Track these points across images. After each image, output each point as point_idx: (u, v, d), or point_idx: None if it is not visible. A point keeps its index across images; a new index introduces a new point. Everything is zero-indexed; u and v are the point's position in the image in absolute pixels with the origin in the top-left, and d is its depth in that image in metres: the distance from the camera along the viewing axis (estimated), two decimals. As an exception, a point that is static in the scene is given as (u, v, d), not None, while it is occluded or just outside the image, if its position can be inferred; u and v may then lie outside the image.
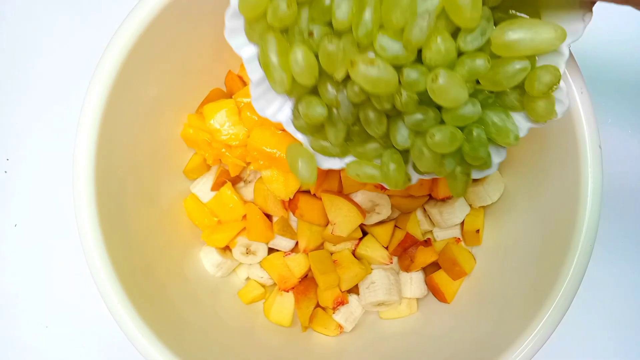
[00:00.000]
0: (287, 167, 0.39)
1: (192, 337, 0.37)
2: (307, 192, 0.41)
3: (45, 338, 0.49)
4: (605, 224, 0.40)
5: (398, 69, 0.26)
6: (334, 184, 0.40)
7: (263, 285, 0.45)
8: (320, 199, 0.39)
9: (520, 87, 0.28)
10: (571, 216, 0.34)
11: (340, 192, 0.39)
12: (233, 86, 0.45)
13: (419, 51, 0.26)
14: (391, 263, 0.42)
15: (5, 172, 0.51)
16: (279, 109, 0.32)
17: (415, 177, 0.32)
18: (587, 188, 0.34)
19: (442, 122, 0.28)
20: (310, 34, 0.28)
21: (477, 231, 0.41)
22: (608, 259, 0.48)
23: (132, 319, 0.34)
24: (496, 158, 0.31)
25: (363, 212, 0.40)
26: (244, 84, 0.44)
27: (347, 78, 0.28)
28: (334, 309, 0.42)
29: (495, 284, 0.40)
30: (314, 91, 0.30)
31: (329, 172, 0.40)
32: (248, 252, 0.43)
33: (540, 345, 0.34)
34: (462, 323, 0.40)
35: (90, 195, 0.34)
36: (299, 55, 0.27)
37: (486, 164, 0.30)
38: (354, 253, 0.42)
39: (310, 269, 0.42)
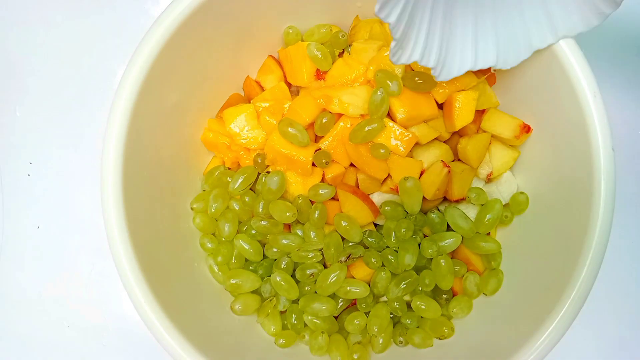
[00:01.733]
0: (306, 170, 0.40)
1: (218, 336, 0.38)
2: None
3: (67, 337, 0.50)
4: (617, 225, 0.40)
5: None
6: (352, 180, 0.41)
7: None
8: (338, 200, 0.40)
9: None
10: (584, 218, 0.35)
11: (357, 191, 0.40)
12: (251, 91, 0.46)
13: None
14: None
15: (29, 175, 0.53)
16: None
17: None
18: (600, 190, 0.34)
19: None
20: None
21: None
22: (619, 260, 0.49)
23: (158, 317, 0.35)
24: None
25: (376, 212, 0.41)
26: (262, 89, 0.45)
27: None
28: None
29: (508, 284, 0.41)
30: None
31: (347, 171, 0.41)
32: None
33: (554, 344, 0.34)
34: (473, 323, 0.41)
35: (118, 197, 0.35)
36: None
37: None
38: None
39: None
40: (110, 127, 0.35)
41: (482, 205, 0.41)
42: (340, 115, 0.40)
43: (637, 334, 0.49)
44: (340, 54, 0.44)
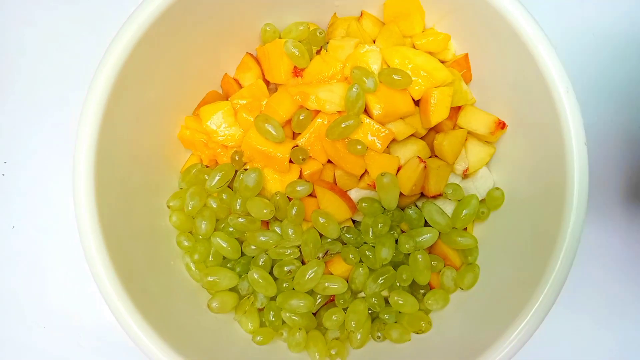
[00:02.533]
0: (283, 166, 0.40)
1: (195, 334, 0.38)
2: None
3: (43, 338, 0.50)
4: (590, 221, 0.41)
5: None
6: (329, 177, 0.41)
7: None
8: (316, 196, 0.40)
9: None
10: (558, 212, 0.35)
11: (335, 187, 0.40)
12: (229, 89, 0.45)
13: None
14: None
15: (3, 174, 0.52)
16: None
17: None
18: (573, 184, 0.35)
19: None
20: None
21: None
22: (590, 255, 0.49)
23: (132, 317, 0.34)
24: None
25: (353, 208, 0.41)
26: (240, 86, 0.45)
27: None
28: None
29: (484, 278, 0.41)
30: None
31: (325, 168, 0.41)
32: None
33: (529, 336, 0.34)
34: (450, 317, 0.41)
35: (90, 196, 0.35)
36: None
37: None
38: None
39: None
40: (82, 125, 0.35)
41: (459, 200, 0.41)
42: (317, 112, 0.40)
43: (605, 330, 0.49)
44: (318, 52, 0.44)
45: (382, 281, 0.40)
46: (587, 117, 0.36)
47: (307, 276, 0.39)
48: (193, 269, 0.42)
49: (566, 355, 0.49)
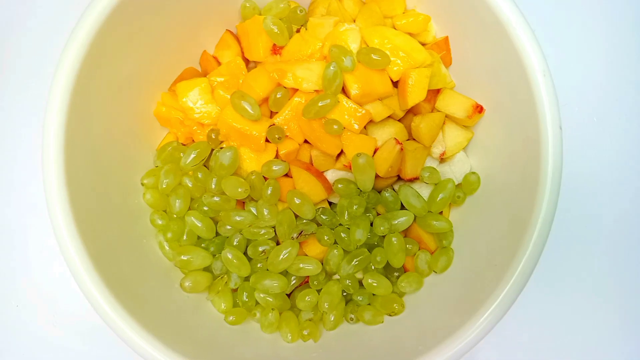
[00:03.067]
0: (259, 145, 0.39)
1: (167, 314, 0.38)
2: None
3: (16, 317, 0.49)
4: (563, 208, 0.41)
5: None
6: (306, 157, 0.41)
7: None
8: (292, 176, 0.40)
9: None
10: (532, 196, 0.35)
11: (311, 168, 0.40)
12: (208, 66, 0.45)
13: None
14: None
15: (-24, 150, 0.51)
16: None
17: None
18: (547, 167, 0.35)
19: None
20: None
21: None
22: (564, 240, 0.50)
23: (102, 295, 0.34)
24: None
25: (329, 189, 0.40)
26: (219, 64, 0.45)
27: None
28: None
29: (458, 262, 0.41)
30: None
31: (301, 148, 0.40)
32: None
33: (498, 319, 0.34)
34: (423, 300, 0.41)
35: (59, 171, 0.34)
36: None
37: None
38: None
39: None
40: (52, 98, 0.34)
41: (435, 184, 0.41)
42: (295, 90, 0.40)
43: (579, 314, 0.50)
44: (298, 31, 0.44)
45: (356, 263, 0.40)
46: (568, 105, 0.35)
47: (281, 256, 0.39)
48: (166, 247, 0.41)
49: (542, 340, 0.49)
